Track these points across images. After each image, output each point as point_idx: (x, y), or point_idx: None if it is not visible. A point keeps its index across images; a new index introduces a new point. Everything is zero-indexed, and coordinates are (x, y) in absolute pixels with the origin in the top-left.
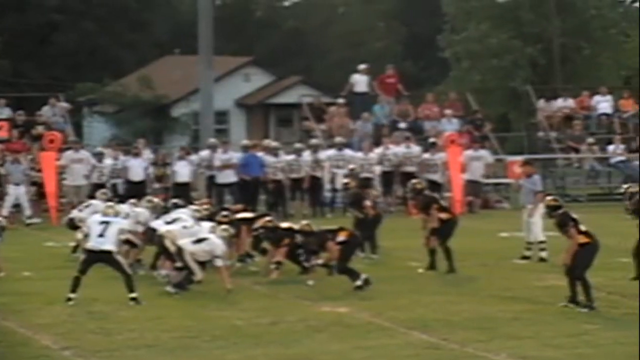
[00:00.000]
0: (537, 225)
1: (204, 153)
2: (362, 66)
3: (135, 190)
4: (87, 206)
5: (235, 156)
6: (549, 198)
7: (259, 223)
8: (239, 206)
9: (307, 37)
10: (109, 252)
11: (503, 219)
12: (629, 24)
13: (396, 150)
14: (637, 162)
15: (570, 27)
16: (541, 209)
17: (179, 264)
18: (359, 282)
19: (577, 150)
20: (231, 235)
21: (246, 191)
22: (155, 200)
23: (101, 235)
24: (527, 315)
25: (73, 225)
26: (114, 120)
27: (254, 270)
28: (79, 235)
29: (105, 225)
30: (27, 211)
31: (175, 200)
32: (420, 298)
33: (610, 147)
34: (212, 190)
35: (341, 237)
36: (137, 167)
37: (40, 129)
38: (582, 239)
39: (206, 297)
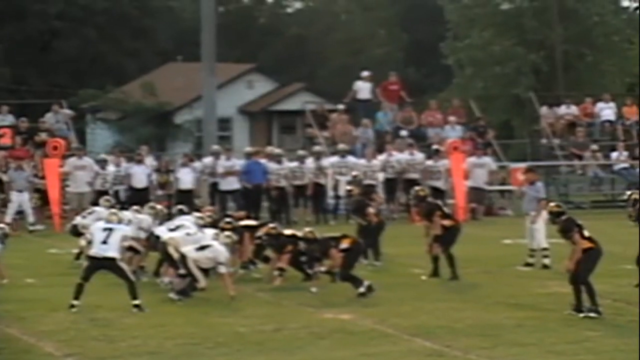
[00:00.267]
0: (540, 232)
1: (207, 160)
2: (365, 73)
3: (138, 197)
4: (90, 213)
5: (238, 163)
6: (552, 204)
7: (262, 231)
8: (242, 213)
9: (309, 44)
10: (112, 259)
11: (506, 226)
12: (632, 31)
13: (399, 157)
14: None
15: (573, 34)
16: (544, 216)
17: (182, 271)
18: (362, 289)
19: (580, 157)
20: (234, 242)
21: (249, 198)
22: (158, 207)
23: (104, 242)
24: (530, 322)
25: (76, 232)
26: (117, 127)
27: (257, 277)
28: (82, 242)
29: (108, 232)
30: (30, 218)
31: (180, 207)
32: (424, 305)
33: (614, 154)
34: (215, 197)
35: (344, 244)
36: (140, 174)
37: (43, 135)
38: (586, 245)
39: (209, 304)
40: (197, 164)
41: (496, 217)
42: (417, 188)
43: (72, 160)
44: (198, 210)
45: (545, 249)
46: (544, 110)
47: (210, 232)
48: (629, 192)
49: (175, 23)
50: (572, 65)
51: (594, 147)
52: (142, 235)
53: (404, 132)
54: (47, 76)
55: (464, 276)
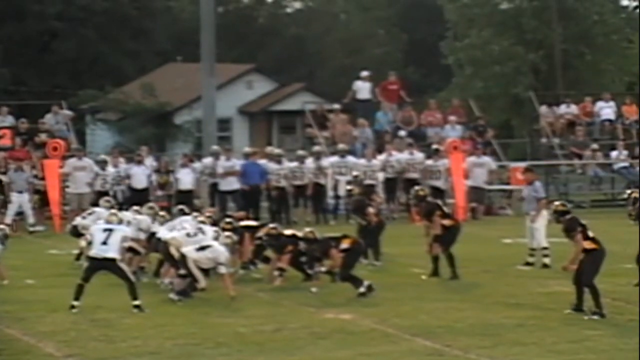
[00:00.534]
0: (540, 232)
1: (207, 160)
2: (364, 73)
3: (138, 198)
4: (90, 213)
5: (238, 163)
6: (557, 203)
7: (262, 231)
8: (242, 214)
9: (309, 44)
10: (112, 260)
11: (506, 226)
12: (632, 30)
13: (399, 156)
14: None
15: (572, 33)
16: (544, 215)
17: (182, 272)
18: (362, 289)
19: (580, 157)
20: (234, 243)
21: (249, 198)
22: (157, 207)
23: (104, 243)
24: (530, 321)
25: (76, 233)
26: (117, 128)
27: (257, 278)
28: (83, 242)
29: (108, 233)
30: (31, 219)
31: (180, 207)
32: (424, 305)
33: (614, 153)
34: (215, 198)
35: (345, 244)
36: (140, 175)
37: (43, 136)
38: (589, 245)
39: (209, 305)
40: (197, 165)
41: (496, 217)
42: (417, 188)
43: (72, 161)
44: (198, 211)
45: (545, 248)
46: (543, 109)
47: (210, 231)
48: (628, 191)
49: (174, 23)
50: (572, 65)
51: (594, 146)
52: (142, 236)
53: (403, 132)
54: (47, 77)
55: (464, 276)
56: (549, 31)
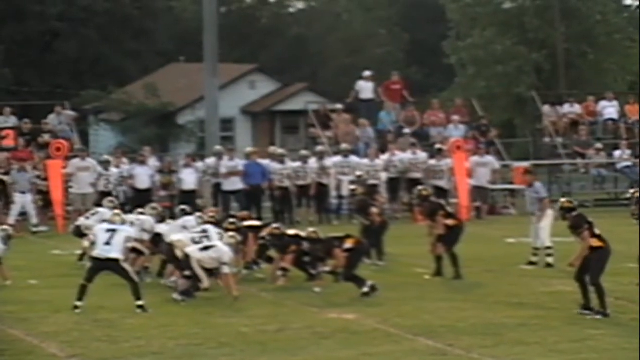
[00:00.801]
0: (546, 231)
1: (210, 161)
2: (366, 73)
3: (141, 198)
4: (93, 214)
5: (241, 163)
6: (563, 200)
7: (265, 231)
8: (246, 214)
9: (311, 44)
10: (115, 260)
11: (509, 225)
12: (634, 29)
13: (402, 156)
14: None
15: (575, 32)
16: (550, 214)
17: (187, 273)
18: (365, 289)
19: (583, 156)
20: (238, 243)
21: (251, 198)
22: (160, 207)
23: (108, 243)
24: (533, 321)
25: (80, 233)
26: (120, 128)
27: (261, 278)
28: (86, 243)
29: (112, 233)
30: (34, 219)
31: (183, 207)
32: (427, 304)
33: (617, 153)
34: (218, 198)
35: (348, 244)
36: (143, 175)
37: (46, 137)
38: (595, 243)
39: (213, 305)
40: (199, 164)
41: (499, 216)
42: (420, 188)
43: (75, 162)
44: (200, 211)
45: (549, 247)
46: (546, 109)
47: (215, 233)
48: (632, 191)
49: (177, 24)
50: (574, 64)
51: (597, 145)
52: (146, 236)
53: (407, 131)
54: (48, 78)
55: (467, 275)
56: (552, 31)
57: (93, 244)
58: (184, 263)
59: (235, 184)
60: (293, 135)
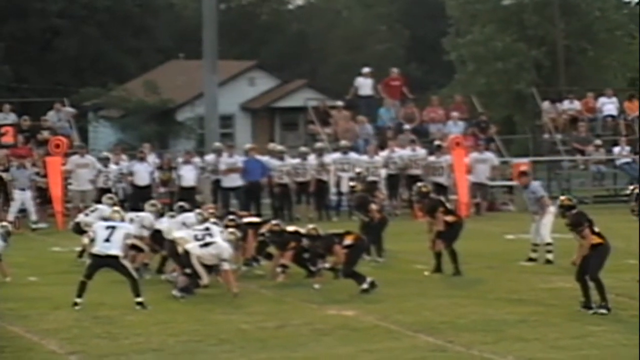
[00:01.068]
0: (547, 227)
1: (210, 157)
2: (365, 69)
3: (140, 195)
4: (93, 211)
5: (241, 160)
6: (562, 197)
7: (265, 227)
8: (246, 213)
9: (311, 40)
10: (115, 257)
11: (509, 221)
12: (634, 25)
13: (402, 153)
14: None
15: (574, 29)
16: (551, 210)
17: (188, 270)
18: (365, 286)
19: (582, 152)
20: (238, 239)
21: (249, 195)
22: (159, 204)
23: (107, 240)
24: (533, 317)
25: (79, 230)
26: (120, 125)
27: (260, 274)
28: (85, 240)
29: (111, 230)
30: (33, 216)
31: (181, 204)
32: (426, 301)
33: (616, 149)
34: (217, 194)
35: (348, 240)
36: (143, 172)
37: (45, 134)
38: (595, 240)
39: (212, 301)
40: (197, 160)
41: (498, 213)
42: (419, 184)
43: (75, 159)
44: (199, 207)
45: (549, 244)
46: (545, 105)
47: (217, 231)
48: (631, 187)
49: (176, 21)
50: (574, 61)
51: (597, 142)
52: (145, 233)
53: (408, 126)
54: (49, 74)
55: (467, 272)
56: (552, 27)
57: (92, 240)
58: (184, 259)
59: (234, 180)
60: (292, 131)
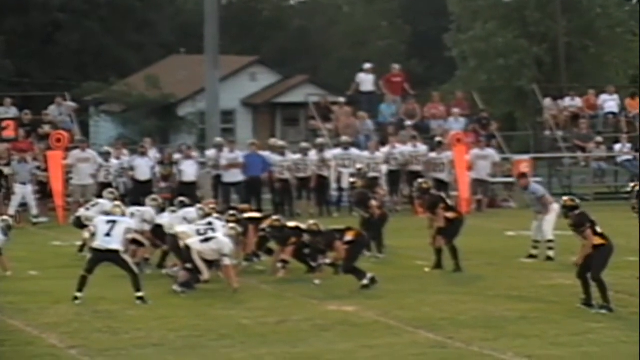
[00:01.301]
0: (550, 224)
1: (210, 152)
2: (367, 65)
3: (141, 190)
4: (94, 205)
5: (241, 155)
6: (565, 198)
7: (266, 223)
8: (246, 206)
9: (312, 36)
10: (115, 251)
11: (509, 218)
12: (636, 23)
13: (402, 149)
14: None
15: (576, 26)
16: (554, 208)
17: (189, 265)
18: (365, 281)
19: (583, 149)
20: (238, 234)
21: (249, 190)
22: (160, 199)
23: (108, 235)
24: (533, 314)
25: (80, 224)
26: (121, 120)
27: (261, 270)
28: (86, 234)
29: (112, 225)
30: (34, 210)
31: (182, 199)
32: (427, 297)
33: (617, 146)
34: (218, 190)
35: (349, 236)
36: (144, 167)
37: (46, 128)
38: (597, 241)
39: (213, 296)
40: (194, 153)
41: (499, 209)
42: (420, 180)
43: (76, 153)
44: (199, 202)
45: (550, 240)
46: (547, 102)
47: (220, 226)
48: (632, 184)
49: (178, 16)
50: (575, 58)
51: (598, 139)
52: (146, 227)
53: (409, 123)
54: (50, 69)
55: (467, 268)
56: (553, 24)
57: (93, 235)
58: (184, 254)
59: (235, 175)
60: (293, 127)
